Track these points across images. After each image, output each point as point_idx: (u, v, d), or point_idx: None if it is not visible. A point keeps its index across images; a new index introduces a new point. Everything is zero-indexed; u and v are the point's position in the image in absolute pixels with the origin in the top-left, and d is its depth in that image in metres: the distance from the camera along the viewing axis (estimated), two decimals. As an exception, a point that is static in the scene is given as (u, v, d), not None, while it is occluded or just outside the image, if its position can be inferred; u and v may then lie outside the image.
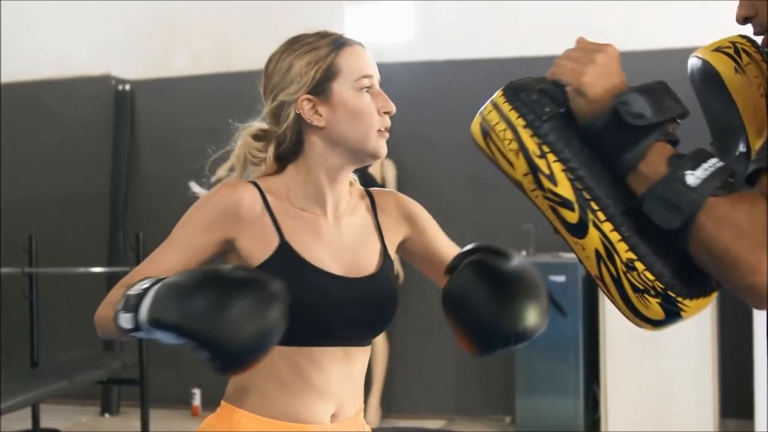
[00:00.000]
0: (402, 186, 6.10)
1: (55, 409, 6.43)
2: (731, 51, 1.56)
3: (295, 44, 1.76)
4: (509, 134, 1.40)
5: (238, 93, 6.42)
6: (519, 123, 1.40)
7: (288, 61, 1.74)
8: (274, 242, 1.71)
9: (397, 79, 5.54)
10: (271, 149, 1.78)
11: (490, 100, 1.46)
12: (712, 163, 1.31)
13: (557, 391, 5.69)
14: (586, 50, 1.39)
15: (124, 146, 6.83)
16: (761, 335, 5.07)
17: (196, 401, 6.53)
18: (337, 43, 1.74)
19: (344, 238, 1.79)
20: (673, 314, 1.39)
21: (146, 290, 1.54)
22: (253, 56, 6.65)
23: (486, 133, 1.43)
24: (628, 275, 1.36)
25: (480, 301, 1.62)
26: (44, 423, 5.92)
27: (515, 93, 1.42)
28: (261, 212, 1.73)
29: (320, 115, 1.73)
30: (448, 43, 6.36)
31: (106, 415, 6.57)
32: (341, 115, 1.72)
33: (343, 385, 1.75)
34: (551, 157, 1.37)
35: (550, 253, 5.79)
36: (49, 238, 6.81)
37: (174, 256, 1.69)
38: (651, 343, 5.45)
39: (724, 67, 1.54)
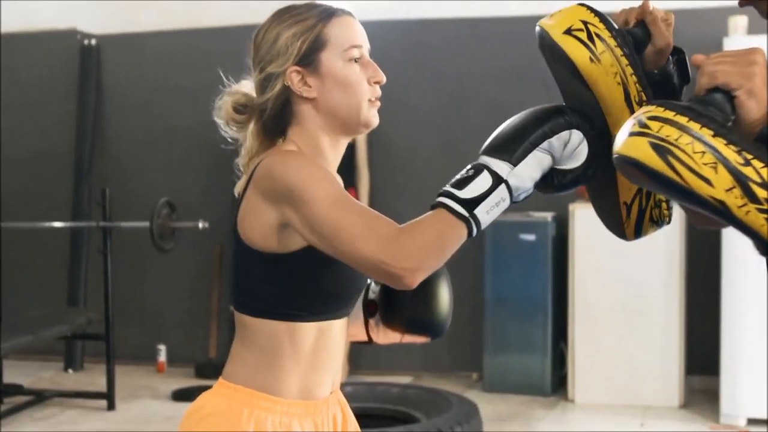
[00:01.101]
0: (373, 149, 6.06)
1: (18, 364, 6.37)
2: (584, 36, 1.50)
3: (284, 15, 1.72)
4: (699, 146, 1.24)
5: (208, 50, 6.43)
6: (706, 133, 1.25)
7: (275, 32, 1.70)
8: None
9: (369, 38, 5.45)
10: (255, 122, 1.76)
11: (646, 117, 1.30)
12: None
13: (525, 349, 5.71)
14: (738, 55, 1.29)
15: (89, 102, 6.71)
16: (728, 294, 5.10)
17: (162, 357, 6.49)
18: (326, 14, 1.71)
19: None
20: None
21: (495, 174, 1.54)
22: (223, 12, 6.59)
23: (665, 151, 1.25)
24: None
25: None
26: (7, 378, 5.87)
27: (680, 105, 1.28)
28: None
29: (310, 87, 1.70)
30: (422, 3, 6.27)
31: (70, 371, 6.52)
32: (330, 86, 1.69)
33: (340, 356, 1.79)
34: (757, 163, 1.23)
35: (519, 212, 5.77)
36: (13, 194, 6.72)
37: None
38: (619, 302, 5.48)
39: (578, 55, 1.50)
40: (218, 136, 1.85)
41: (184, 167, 6.61)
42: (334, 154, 1.75)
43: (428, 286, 1.75)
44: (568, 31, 1.50)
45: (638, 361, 5.47)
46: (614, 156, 1.33)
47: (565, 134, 1.53)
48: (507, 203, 1.54)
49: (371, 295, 1.84)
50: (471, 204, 1.51)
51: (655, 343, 5.45)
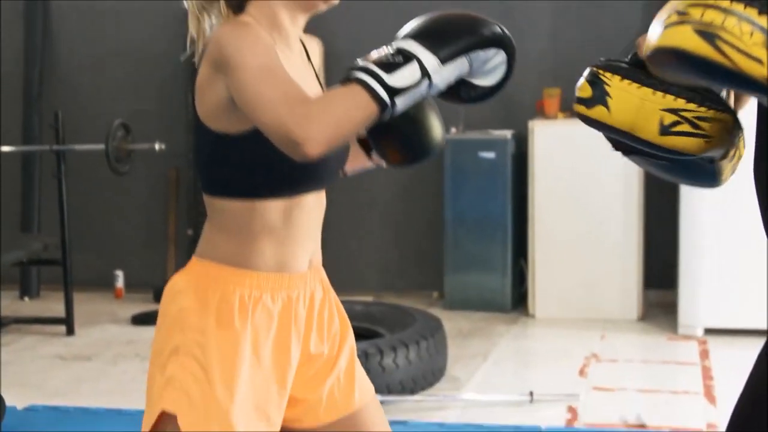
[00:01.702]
0: (329, 62, 5.96)
1: (-28, 293, 6.28)
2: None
3: None
4: (747, 27, 1.21)
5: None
6: (752, 12, 1.22)
7: None
8: None
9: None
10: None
11: (685, 4, 1.27)
12: None
13: (485, 267, 5.74)
14: None
15: (37, 24, 6.51)
16: (686, 209, 5.15)
17: (119, 283, 6.43)
18: None
19: (310, 81, 1.77)
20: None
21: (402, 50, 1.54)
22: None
23: (712, 36, 1.22)
24: None
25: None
26: (-38, 307, 5.79)
27: None
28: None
29: None
30: None
31: (26, 299, 6.44)
32: None
33: (317, 231, 1.77)
34: None
35: (479, 130, 5.76)
36: (-41, 117, 6.55)
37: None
38: (578, 218, 5.51)
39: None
40: (171, 52, 1.80)
41: (137, 89, 6.48)
42: (293, 30, 1.73)
43: (419, 112, 1.81)
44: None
45: (597, 276, 5.52)
46: (650, 51, 1.30)
47: (492, 51, 1.55)
48: (420, 98, 1.55)
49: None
50: (395, 92, 1.50)
51: (614, 257, 5.50)
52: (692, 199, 5.11)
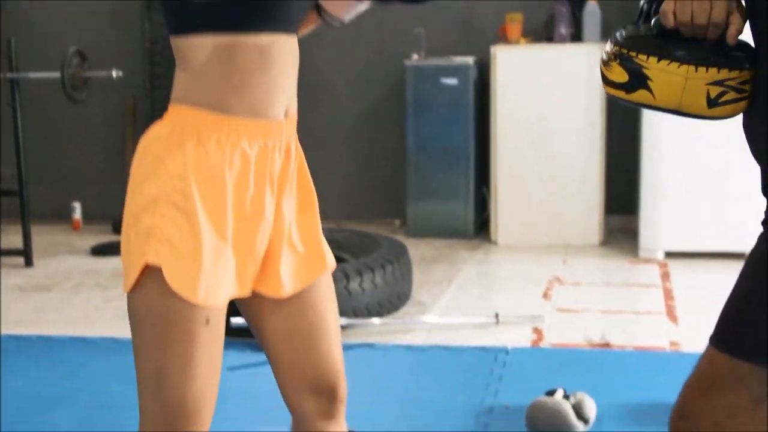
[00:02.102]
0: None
1: (-73, 226, 6.17)
2: None
3: None
4: None
5: None
6: None
7: None
8: None
9: None
10: None
11: None
12: None
13: (448, 195, 5.74)
14: None
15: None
16: (647, 134, 5.16)
17: (77, 215, 6.35)
18: None
19: None
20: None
21: None
22: None
23: None
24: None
25: None
26: None
27: None
28: None
29: None
30: None
31: (-17, 232, 6.35)
32: None
33: (293, 79, 1.70)
34: None
35: (441, 57, 5.71)
36: None
37: None
38: (540, 144, 5.51)
39: None
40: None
41: (94, 15, 6.33)
42: None
43: None
44: None
45: (559, 203, 5.54)
46: None
47: None
48: None
49: None
50: None
51: (576, 184, 5.52)
52: (653, 125, 5.12)
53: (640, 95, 1.55)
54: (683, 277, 4.85)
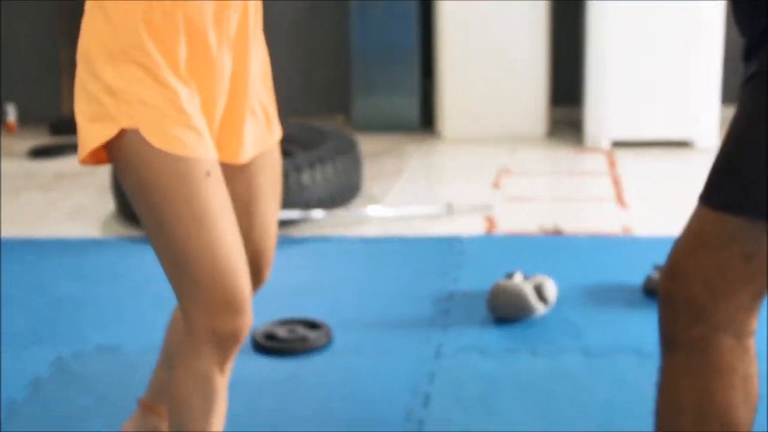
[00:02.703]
0: None
1: None
2: None
3: None
4: None
5: None
6: None
7: None
8: None
9: None
10: None
11: None
12: None
13: (392, 90, 5.67)
14: None
15: None
16: (592, 24, 5.13)
17: (11, 117, 6.16)
18: None
19: None
20: None
21: None
22: None
23: None
24: None
25: None
26: None
27: None
28: None
29: None
30: None
31: None
32: None
33: None
34: None
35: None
36: None
37: None
38: (485, 37, 5.44)
39: None
40: None
41: None
42: None
43: None
44: None
45: (504, 94, 5.50)
46: None
47: None
48: None
49: None
50: None
51: (521, 75, 5.47)
52: (598, 14, 5.09)
53: None
54: (630, 166, 4.88)
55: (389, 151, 5.33)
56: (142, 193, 1.52)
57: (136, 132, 1.49)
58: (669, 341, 1.60)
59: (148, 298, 3.23)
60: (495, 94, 5.50)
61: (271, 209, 1.76)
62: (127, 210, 4.09)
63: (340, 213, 4.07)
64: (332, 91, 6.04)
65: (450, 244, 3.70)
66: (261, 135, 1.72)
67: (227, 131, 1.65)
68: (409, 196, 4.44)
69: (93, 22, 1.53)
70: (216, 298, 1.53)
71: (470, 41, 5.45)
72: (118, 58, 1.50)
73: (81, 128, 1.54)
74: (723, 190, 1.54)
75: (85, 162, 1.55)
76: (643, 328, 2.86)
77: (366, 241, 3.79)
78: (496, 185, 4.57)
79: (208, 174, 1.52)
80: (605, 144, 5.21)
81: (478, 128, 5.53)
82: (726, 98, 5.32)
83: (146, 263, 3.54)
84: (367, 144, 5.42)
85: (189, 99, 1.53)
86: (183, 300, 1.57)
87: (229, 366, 1.62)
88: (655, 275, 3.16)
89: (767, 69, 1.51)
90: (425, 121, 5.78)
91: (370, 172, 4.75)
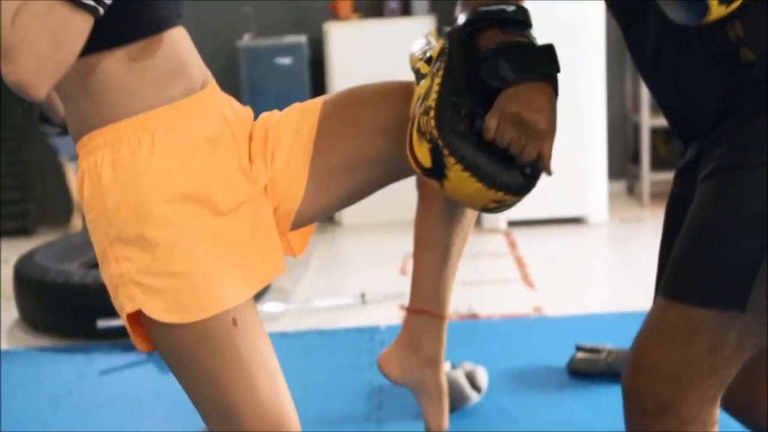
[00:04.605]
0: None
1: None
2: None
3: None
4: None
5: None
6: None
7: None
8: None
9: None
10: None
11: None
12: None
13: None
14: None
15: None
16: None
17: None
18: None
19: None
20: (438, 168, 1.58)
21: None
22: None
23: None
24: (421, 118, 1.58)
25: None
26: None
27: None
28: None
29: None
30: None
31: None
32: None
33: (195, 58, 1.63)
34: None
35: (273, 36, 5.61)
36: None
37: None
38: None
39: None
40: None
41: None
42: None
43: None
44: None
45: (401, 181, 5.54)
46: None
47: None
48: None
49: None
50: None
51: (415, 159, 5.54)
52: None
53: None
54: (529, 244, 4.98)
55: (289, 240, 5.29)
56: (174, 362, 1.52)
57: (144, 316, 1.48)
58: None
59: (68, 411, 3.09)
60: (390, 179, 5.54)
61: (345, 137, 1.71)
62: (30, 317, 3.94)
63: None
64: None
65: (370, 335, 3.68)
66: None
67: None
68: (319, 288, 4.41)
69: (89, 213, 1.56)
70: None
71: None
72: (105, 243, 1.52)
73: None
74: (687, 282, 1.55)
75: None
76: (574, 409, 2.90)
77: (286, 336, 3.73)
78: (404, 271, 4.58)
79: (234, 323, 1.48)
80: (502, 225, 5.30)
81: (377, 214, 5.55)
82: (611, 175, 5.52)
83: (62, 373, 3.41)
84: (265, 234, 5.38)
85: (206, 236, 1.51)
86: None
87: None
88: (578, 355, 3.21)
89: (729, 166, 1.56)
90: (321, 208, 5.77)
91: (274, 263, 4.69)
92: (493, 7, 1.67)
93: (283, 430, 1.53)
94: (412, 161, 1.61)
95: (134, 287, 1.46)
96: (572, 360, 3.22)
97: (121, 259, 1.47)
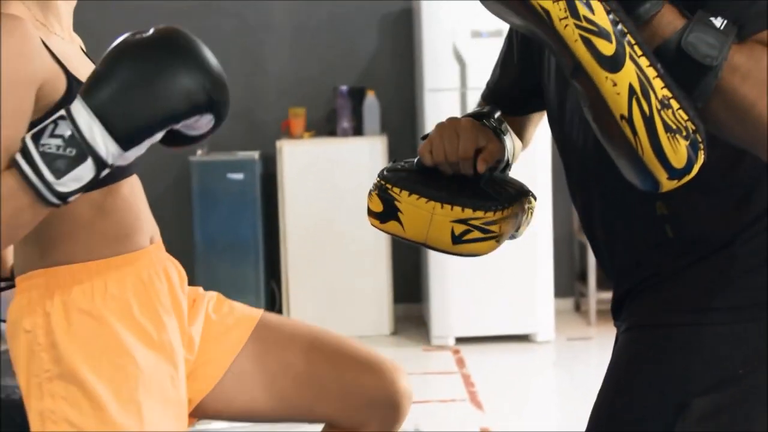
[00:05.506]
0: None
1: None
2: None
3: None
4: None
5: None
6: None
7: None
8: (62, 79, 1.51)
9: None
10: None
11: None
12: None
13: (237, 290, 5.60)
14: None
15: None
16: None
17: None
18: None
19: (84, 58, 1.68)
20: (690, 164, 1.30)
21: (71, 137, 1.37)
22: None
23: None
24: (663, 113, 1.27)
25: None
26: None
27: None
28: (41, 45, 1.50)
29: None
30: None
31: None
32: None
33: (147, 210, 1.70)
34: None
35: (226, 152, 5.67)
36: None
37: (15, 125, 1.40)
38: (329, 237, 5.55)
39: None
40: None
41: None
42: (67, 17, 1.63)
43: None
44: None
45: (349, 295, 5.58)
46: None
47: (193, 119, 1.47)
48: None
49: None
50: (66, 195, 1.39)
51: (365, 276, 5.58)
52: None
53: (392, 226, 1.62)
54: (477, 362, 4.99)
55: (237, 355, 5.26)
56: None
57: None
58: None
59: None
60: (340, 295, 5.57)
61: (331, 337, 1.84)
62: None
63: (201, 428, 3.95)
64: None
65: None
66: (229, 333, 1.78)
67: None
68: None
69: (15, 348, 1.59)
70: None
71: (315, 240, 5.55)
72: (39, 378, 1.55)
73: None
74: (605, 427, 1.58)
75: None
76: None
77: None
78: None
79: None
80: (450, 341, 5.32)
81: (327, 327, 5.53)
82: (558, 293, 5.59)
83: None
84: (213, 348, 5.34)
85: (147, 410, 1.55)
86: None
87: None
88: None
89: (640, 324, 1.60)
90: (270, 322, 5.75)
91: (221, 379, 4.65)
92: None
93: None
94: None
95: (66, 426, 1.49)
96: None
97: (57, 397, 1.49)
